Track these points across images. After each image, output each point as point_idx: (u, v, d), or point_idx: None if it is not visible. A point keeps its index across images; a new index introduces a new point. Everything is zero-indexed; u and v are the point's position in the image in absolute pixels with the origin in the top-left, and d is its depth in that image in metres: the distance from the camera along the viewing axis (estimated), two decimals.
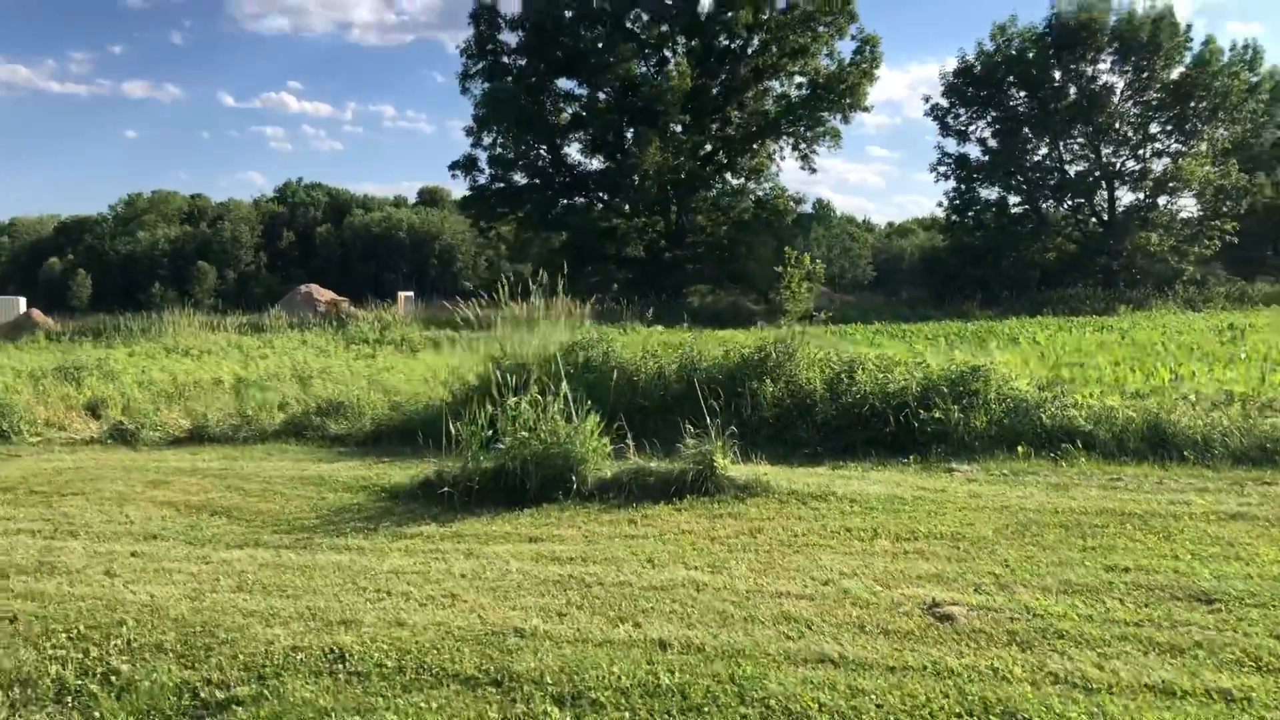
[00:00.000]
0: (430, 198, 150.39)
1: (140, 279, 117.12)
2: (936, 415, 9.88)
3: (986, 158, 49.79)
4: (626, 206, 45.09)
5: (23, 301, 66.43)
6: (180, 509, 8.84)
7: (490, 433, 9.00)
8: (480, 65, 44.27)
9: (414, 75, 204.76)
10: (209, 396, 15.81)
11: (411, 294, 68.47)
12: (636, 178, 40.46)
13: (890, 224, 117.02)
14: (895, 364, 10.98)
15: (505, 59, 44.30)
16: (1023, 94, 48.49)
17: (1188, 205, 48.93)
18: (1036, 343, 21.13)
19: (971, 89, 49.06)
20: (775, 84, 43.85)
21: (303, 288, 71.05)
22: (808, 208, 45.59)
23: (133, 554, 7.36)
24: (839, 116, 42.91)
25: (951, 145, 50.52)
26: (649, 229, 41.75)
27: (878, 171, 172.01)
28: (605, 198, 46.05)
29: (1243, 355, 16.59)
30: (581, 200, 45.68)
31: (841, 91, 41.44)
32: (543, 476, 8.55)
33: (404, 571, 6.65)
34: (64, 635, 5.69)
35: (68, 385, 16.51)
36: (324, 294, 67.14)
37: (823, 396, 10.56)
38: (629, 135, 44.61)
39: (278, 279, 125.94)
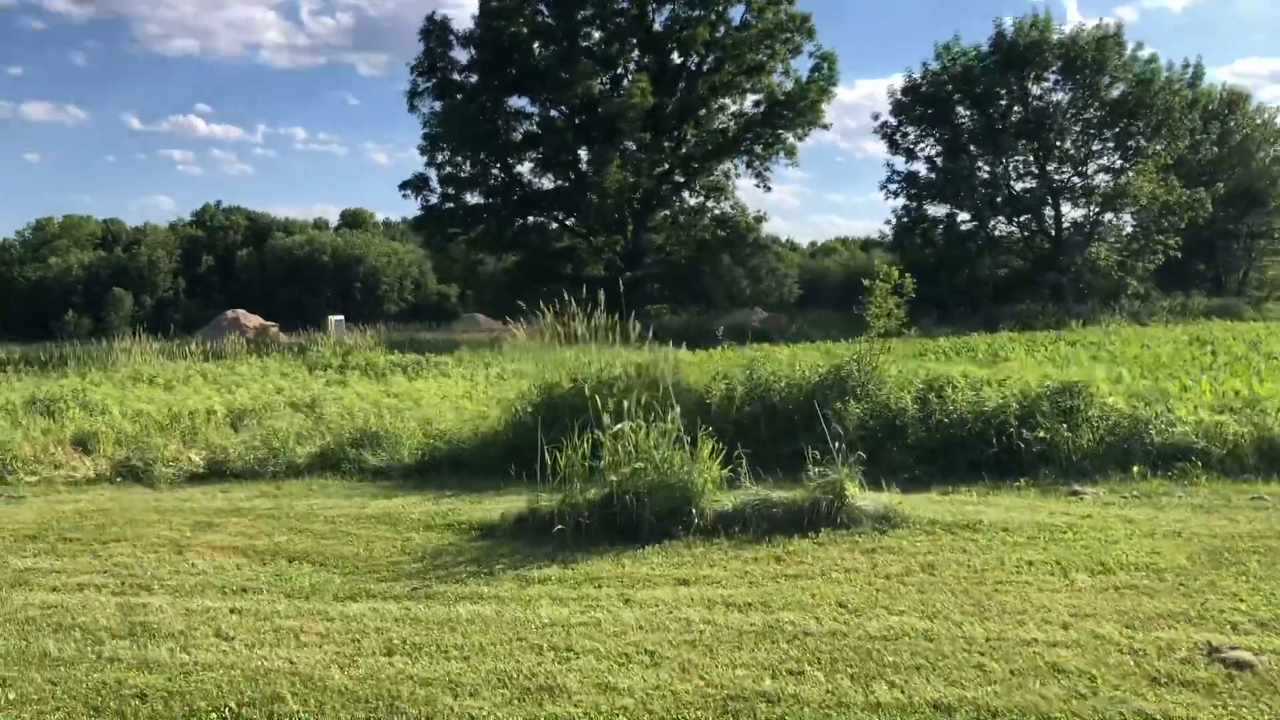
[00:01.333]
0: (352, 220, 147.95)
1: (52, 306, 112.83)
2: (1041, 435, 9.41)
3: (934, 175, 50.25)
4: (583, 226, 44.42)
5: None
6: (250, 555, 7.96)
7: (583, 462, 8.28)
8: (430, 82, 43.31)
9: (325, 98, 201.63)
10: (207, 429, 14.75)
11: (341, 318, 66.88)
12: (594, 196, 39.83)
13: (813, 243, 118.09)
14: (985, 382, 10.50)
15: (456, 76, 43.41)
16: (970, 112, 49.08)
17: (1128, 221, 50.00)
18: (1037, 358, 20.97)
19: (920, 107, 49.49)
20: (730, 102, 43.73)
21: (229, 313, 69.08)
22: (770, 226, 45.43)
23: (232, 610, 6.50)
24: (796, 134, 42.90)
25: (900, 163, 50.97)
26: (607, 248, 41.11)
27: (793, 192, 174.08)
28: (560, 217, 45.33)
29: (1261, 367, 16.56)
30: (536, 219, 44.91)
31: (800, 109, 41.42)
32: (655, 510, 7.85)
33: (568, 624, 5.92)
34: (215, 716, 4.86)
35: (44, 419, 15.30)
36: (251, 319, 65.28)
37: (914, 417, 10.03)
38: (584, 154, 44.02)
39: (197, 305, 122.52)
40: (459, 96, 42.59)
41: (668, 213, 45.41)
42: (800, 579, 6.65)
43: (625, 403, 8.65)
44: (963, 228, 51.02)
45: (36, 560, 8.03)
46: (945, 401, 10.18)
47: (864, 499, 7.96)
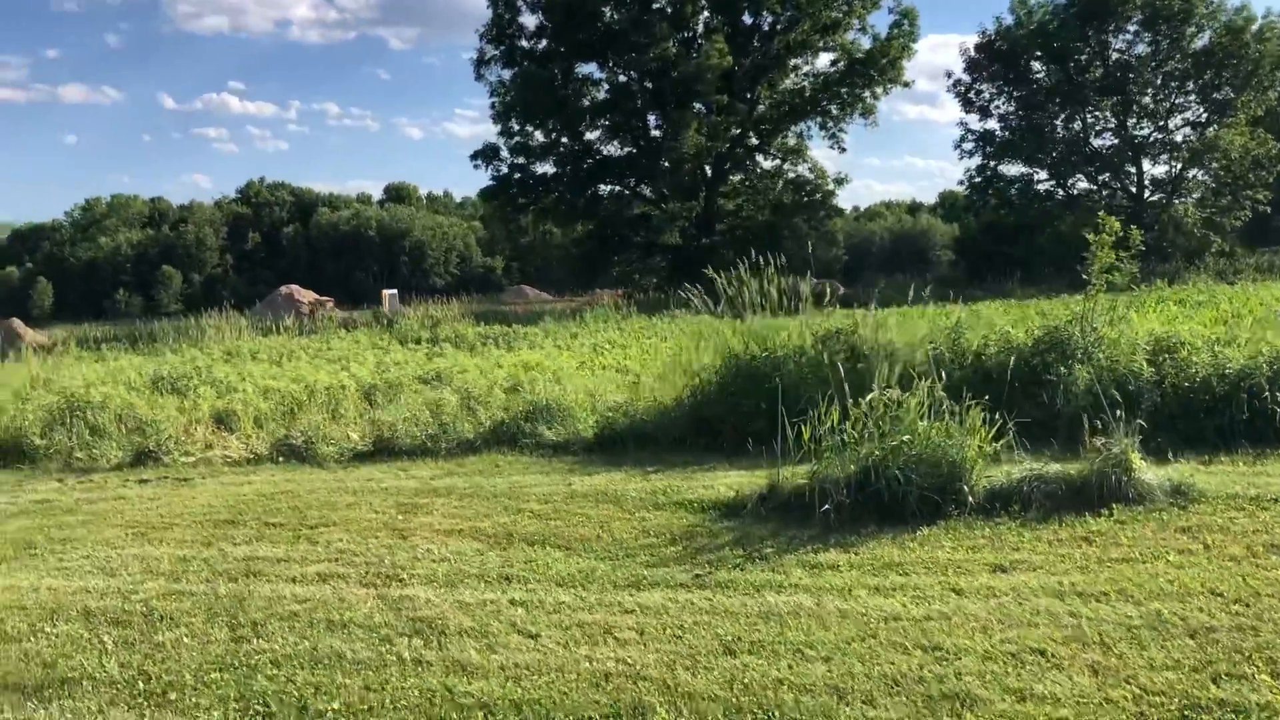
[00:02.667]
0: (396, 194, 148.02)
1: (103, 286, 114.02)
2: None
3: (1009, 134, 48.79)
4: (655, 193, 43.54)
5: None
6: (482, 539, 7.43)
7: (834, 436, 7.63)
8: (499, 50, 42.54)
9: (357, 73, 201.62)
10: (345, 405, 14.28)
11: (394, 292, 66.54)
12: (669, 162, 38.94)
13: (855, 208, 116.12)
14: (1225, 341, 9.73)
15: (524, 42, 42.64)
16: (1047, 67, 47.55)
17: (1212, 177, 48.28)
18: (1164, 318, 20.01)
19: (995, 64, 48.03)
20: (804, 62, 42.53)
21: (283, 289, 68.83)
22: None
23: (512, 603, 5.97)
24: (874, 93, 41.65)
25: (974, 121, 49.57)
26: (682, 215, 40.21)
27: (825, 155, 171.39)
28: (631, 184, 44.50)
29: None
30: (608, 188, 44.12)
31: (881, 67, 40.20)
32: (921, 486, 7.20)
33: (909, 617, 5.32)
34: None
35: (175, 397, 14.90)
36: (305, 294, 65.00)
37: (1149, 381, 9.29)
38: (653, 119, 43.14)
39: (245, 281, 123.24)
40: (527, 64, 41.79)
41: (741, 177, 44.40)
42: (1131, 563, 6.00)
43: (879, 371, 7.99)
44: (1040, 187, 49.62)
45: (253, 548, 7.56)
46: (1181, 364, 9.43)
47: (1148, 472, 7.27)
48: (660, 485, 8.75)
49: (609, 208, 43.05)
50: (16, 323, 62.11)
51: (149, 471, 11.25)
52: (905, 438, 7.22)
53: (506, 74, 42.81)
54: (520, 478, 9.53)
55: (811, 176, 42.51)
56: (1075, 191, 49.42)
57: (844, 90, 40.91)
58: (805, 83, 42.23)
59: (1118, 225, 10.01)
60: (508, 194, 43.67)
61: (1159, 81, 46.90)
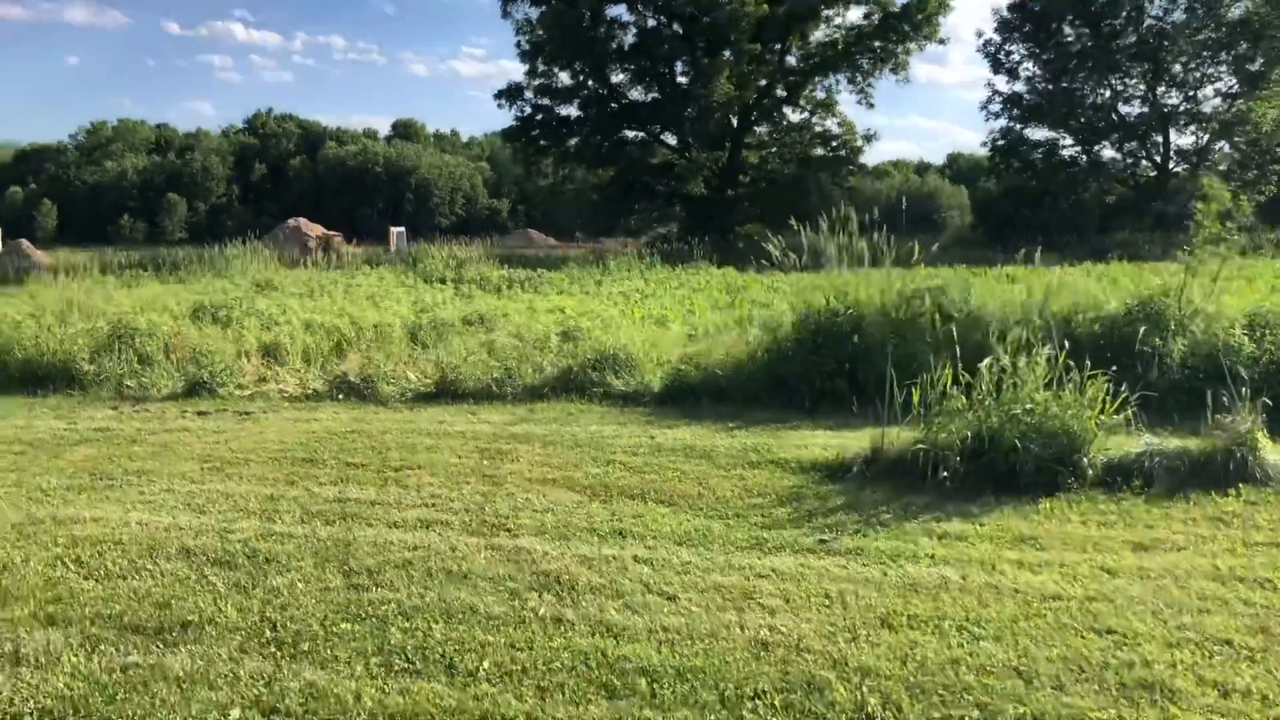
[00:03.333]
0: (404, 131, 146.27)
1: (108, 211, 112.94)
2: None
3: (1037, 98, 48.05)
4: (679, 141, 42.81)
5: None
6: (579, 491, 7.22)
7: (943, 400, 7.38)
8: None
9: (365, 6, 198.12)
10: (389, 344, 14.01)
11: (403, 229, 66.06)
12: (694, 110, 38.28)
13: (862, 165, 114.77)
14: None
15: None
16: (1079, 31, 46.70)
17: (1239, 148, 47.63)
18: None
19: (1027, 24, 47.21)
20: (835, 14, 41.57)
21: (290, 221, 68.19)
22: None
23: (636, 559, 5.77)
24: (908, 48, 40.74)
25: (1002, 83, 48.81)
26: (706, 165, 39.53)
27: (853, 112, 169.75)
28: (656, 131, 43.78)
29: None
30: (633, 134, 43.40)
31: (917, 23, 39.38)
32: (1039, 456, 6.95)
33: (1067, 596, 5.10)
34: (757, 704, 4.09)
35: (218, 328, 14.61)
36: (314, 228, 64.38)
37: (1249, 355, 9.03)
38: (680, 66, 42.37)
39: (250, 212, 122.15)
40: (556, 2, 40.88)
41: (768, 129, 43.69)
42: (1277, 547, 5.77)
43: (1011, 337, 7.72)
44: (1065, 152, 48.99)
45: (341, 489, 7.33)
46: None
47: (1275, 452, 7.03)
48: (749, 443, 8.50)
49: (632, 154, 42.37)
50: (26, 244, 61.63)
51: (204, 403, 11.01)
52: (1029, 405, 6.95)
53: (534, 12, 41.99)
54: (598, 428, 9.28)
55: (840, 131, 41.81)
56: (1101, 159, 48.82)
57: (877, 44, 40.10)
58: (838, 35, 41.37)
59: (1228, 195, 9.68)
60: (530, 135, 42.99)
61: (1191, 50, 46.08)
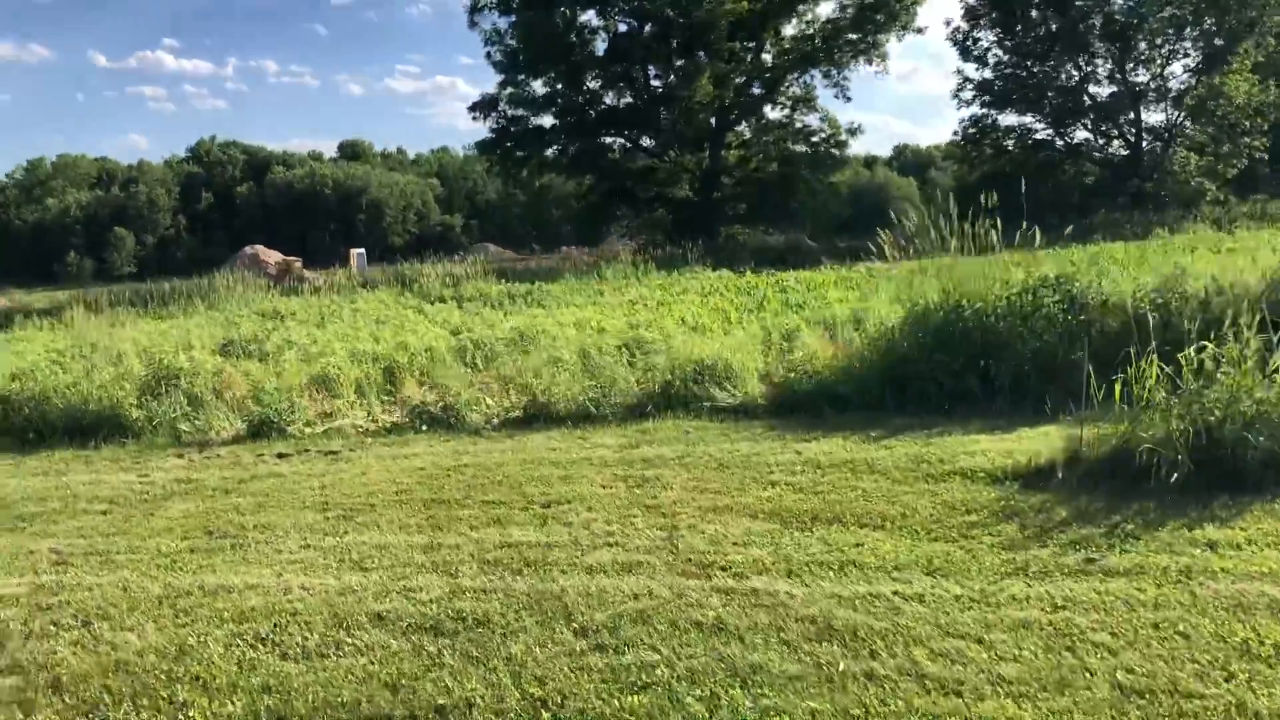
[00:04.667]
0: (351, 152, 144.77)
1: (52, 248, 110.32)
2: None
3: (1006, 83, 48.11)
4: (657, 145, 42.24)
5: None
6: (763, 518, 6.66)
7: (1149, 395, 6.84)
8: None
9: (295, 29, 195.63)
10: (437, 367, 13.28)
11: (362, 251, 64.90)
12: (679, 112, 37.74)
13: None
14: None
15: None
16: (1046, 14, 46.82)
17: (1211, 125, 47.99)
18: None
19: (992, 11, 47.26)
20: (808, 7, 41.13)
21: (247, 249, 66.80)
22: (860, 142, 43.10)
23: (900, 595, 5.15)
24: (884, 38, 40.49)
25: (971, 70, 48.83)
26: (691, 168, 38.91)
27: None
28: (633, 136, 43.19)
29: None
30: (612, 140, 42.77)
31: (894, 12, 39.11)
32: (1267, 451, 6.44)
33: None
34: None
35: (257, 363, 13.79)
36: (270, 255, 63.08)
37: None
38: (653, 69, 41.84)
39: (199, 242, 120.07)
40: (528, 11, 40.15)
41: (748, 129, 43.23)
42: None
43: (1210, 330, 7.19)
44: (1037, 136, 49.11)
45: (502, 532, 6.71)
46: None
47: None
48: (909, 453, 7.92)
49: (612, 160, 41.75)
50: None
51: (277, 444, 10.23)
52: (1259, 396, 6.42)
53: (503, 22, 41.26)
54: (730, 445, 8.65)
55: (823, 127, 41.50)
56: (1073, 141, 49.02)
57: (854, 36, 39.79)
58: (812, 29, 41.03)
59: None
60: (506, 146, 42.22)
61: (1157, 27, 46.37)
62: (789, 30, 41.69)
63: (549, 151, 42.66)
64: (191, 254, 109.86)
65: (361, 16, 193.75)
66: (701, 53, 39.48)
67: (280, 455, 9.70)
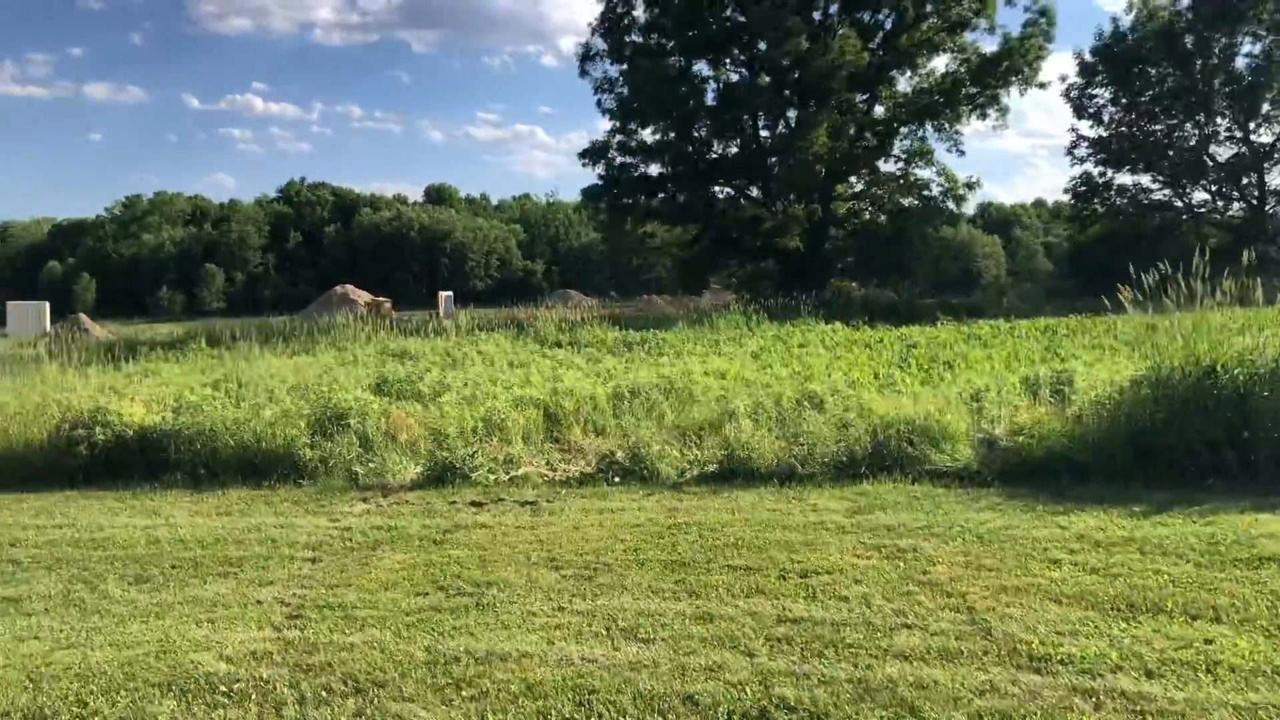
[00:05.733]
0: (436, 196, 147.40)
1: (145, 283, 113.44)
2: None
3: (1121, 142, 46.88)
4: (767, 196, 41.82)
5: (46, 307, 62.85)
6: (1074, 604, 5.98)
7: None
8: (607, 45, 41.02)
9: (379, 75, 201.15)
10: (602, 416, 12.81)
11: (450, 294, 65.46)
12: (796, 163, 37.28)
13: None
14: None
15: (636, 37, 41.05)
16: (1165, 72, 45.67)
17: None
18: None
19: (1110, 68, 46.24)
20: (923, 61, 40.52)
21: (338, 288, 67.82)
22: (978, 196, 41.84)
23: None
24: (1006, 93, 39.65)
25: (1086, 128, 47.71)
26: (802, 219, 38.41)
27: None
28: (741, 185, 42.85)
29: None
30: (721, 189, 42.50)
31: (1017, 67, 38.28)
32: None
33: None
34: None
35: (416, 405, 13.42)
36: (360, 294, 63.90)
37: None
38: (764, 119, 41.57)
39: (286, 281, 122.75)
40: (640, 60, 40.22)
41: (861, 180, 42.63)
42: None
43: None
44: (1153, 196, 47.73)
45: (780, 606, 6.06)
46: None
47: None
48: (1196, 532, 7.18)
49: (720, 209, 41.42)
50: (84, 318, 61.22)
51: (465, 491, 9.78)
52: None
53: (614, 70, 41.38)
54: (973, 515, 7.97)
55: (940, 180, 40.73)
56: (1192, 201, 47.53)
57: (974, 90, 39.03)
58: (928, 83, 40.39)
59: None
60: (613, 193, 42.14)
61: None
62: (903, 84, 41.18)
63: (656, 199, 42.47)
64: (279, 291, 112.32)
65: (445, 64, 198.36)
66: (814, 103, 39.07)
67: (474, 504, 9.25)
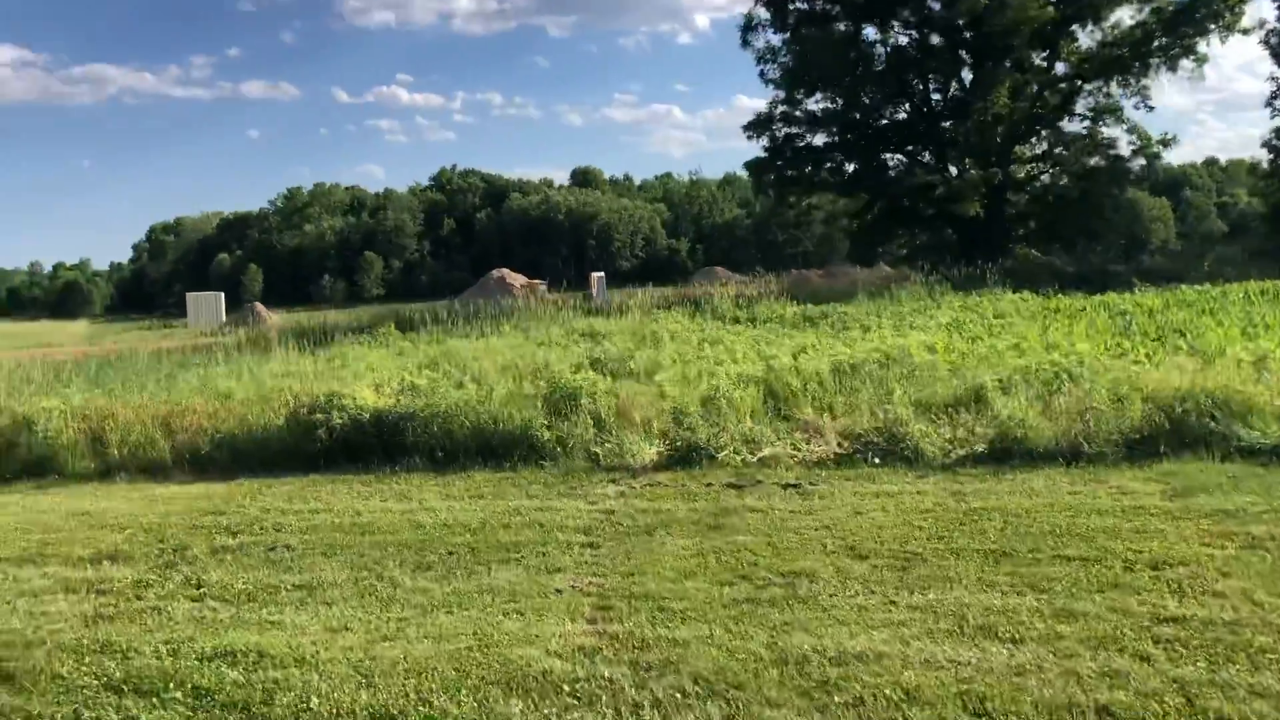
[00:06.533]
0: (582, 179, 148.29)
1: (308, 271, 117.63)
2: None
3: None
4: (943, 161, 40.12)
5: (222, 297, 65.69)
6: None
7: None
8: (770, 13, 39.99)
9: (518, 62, 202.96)
10: (829, 395, 12.15)
11: (602, 275, 65.36)
12: (975, 125, 35.54)
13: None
14: None
15: (800, 4, 39.90)
16: None
17: None
18: None
19: None
20: (1115, 12, 37.92)
21: (494, 273, 68.56)
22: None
23: None
24: (1207, 41, 36.81)
25: None
26: (981, 184, 36.66)
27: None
28: (913, 151, 41.24)
29: None
30: (891, 157, 41.05)
31: (1217, 10, 35.49)
32: None
33: None
34: None
35: (629, 381, 13.10)
36: (516, 278, 64.48)
37: None
38: (935, 81, 39.92)
39: (441, 266, 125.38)
40: (806, 28, 39.06)
41: (1043, 141, 40.45)
42: None
43: None
44: None
45: (1152, 603, 5.40)
46: None
47: None
48: None
49: (892, 177, 39.94)
50: (259, 306, 63.83)
51: (716, 472, 9.37)
52: None
53: (777, 39, 40.33)
54: None
55: (1131, 138, 38.23)
56: None
57: (1166, 41, 36.39)
58: (1112, 36, 37.83)
59: None
60: (777, 165, 41.18)
61: None
62: (1084, 37, 38.73)
63: (823, 170, 41.30)
64: (434, 277, 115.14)
65: (581, 48, 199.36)
66: (991, 62, 37.18)
67: (732, 486, 8.84)
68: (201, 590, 6.73)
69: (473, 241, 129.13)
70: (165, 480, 10.88)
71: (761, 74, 40.73)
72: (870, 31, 40.16)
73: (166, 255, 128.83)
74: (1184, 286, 28.30)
